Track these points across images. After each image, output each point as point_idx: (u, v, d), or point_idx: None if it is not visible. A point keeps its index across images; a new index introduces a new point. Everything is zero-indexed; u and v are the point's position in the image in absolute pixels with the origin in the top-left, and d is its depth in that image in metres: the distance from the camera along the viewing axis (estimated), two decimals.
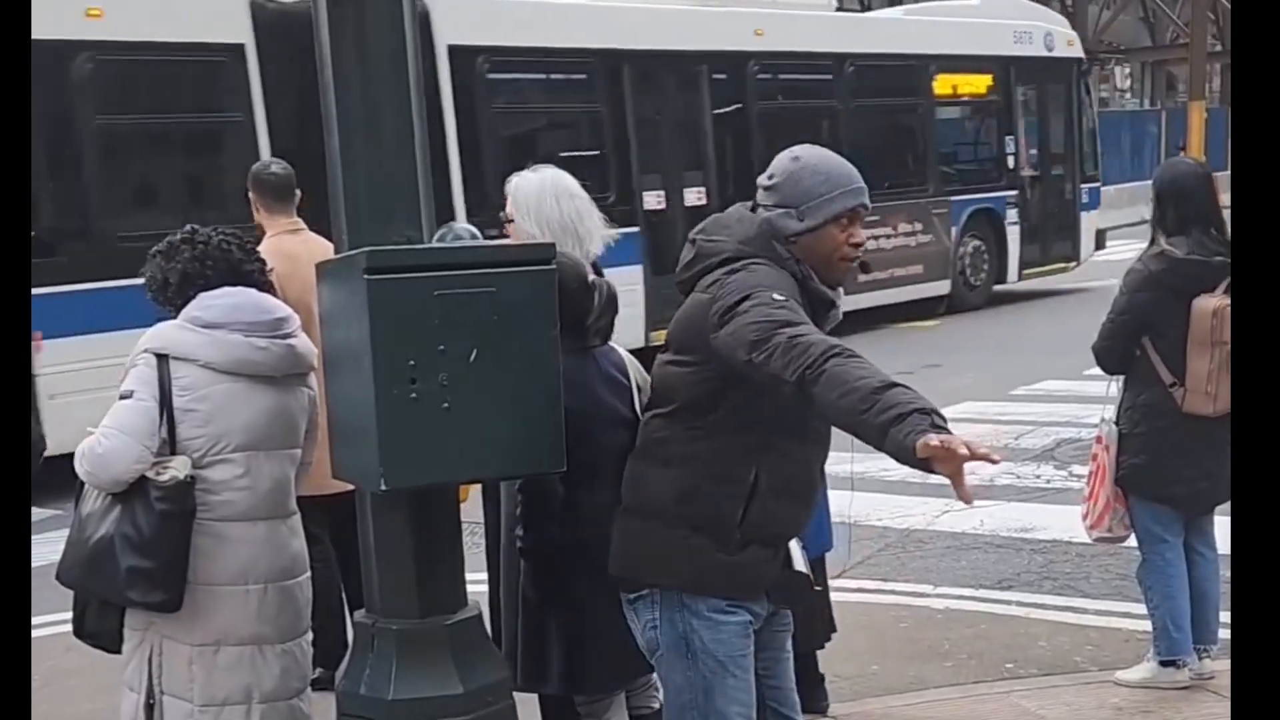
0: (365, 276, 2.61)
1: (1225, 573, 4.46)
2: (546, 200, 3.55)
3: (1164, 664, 4.49)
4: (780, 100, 13.70)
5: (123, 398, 3.18)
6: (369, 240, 2.77)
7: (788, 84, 13.90)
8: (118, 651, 3.31)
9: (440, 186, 9.26)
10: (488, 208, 8.94)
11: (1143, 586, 4.56)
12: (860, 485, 7.55)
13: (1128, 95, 38.59)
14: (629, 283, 10.91)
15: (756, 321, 2.62)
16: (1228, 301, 4.13)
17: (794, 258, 2.84)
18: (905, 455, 2.39)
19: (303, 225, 5.02)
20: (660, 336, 11.48)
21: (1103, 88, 44.45)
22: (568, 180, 3.63)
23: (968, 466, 2.37)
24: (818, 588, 3.72)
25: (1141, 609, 4.78)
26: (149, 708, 3.24)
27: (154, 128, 9.41)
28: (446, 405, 2.64)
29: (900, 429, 2.38)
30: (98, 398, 3.87)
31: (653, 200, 12.09)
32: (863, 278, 3.10)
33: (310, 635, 3.42)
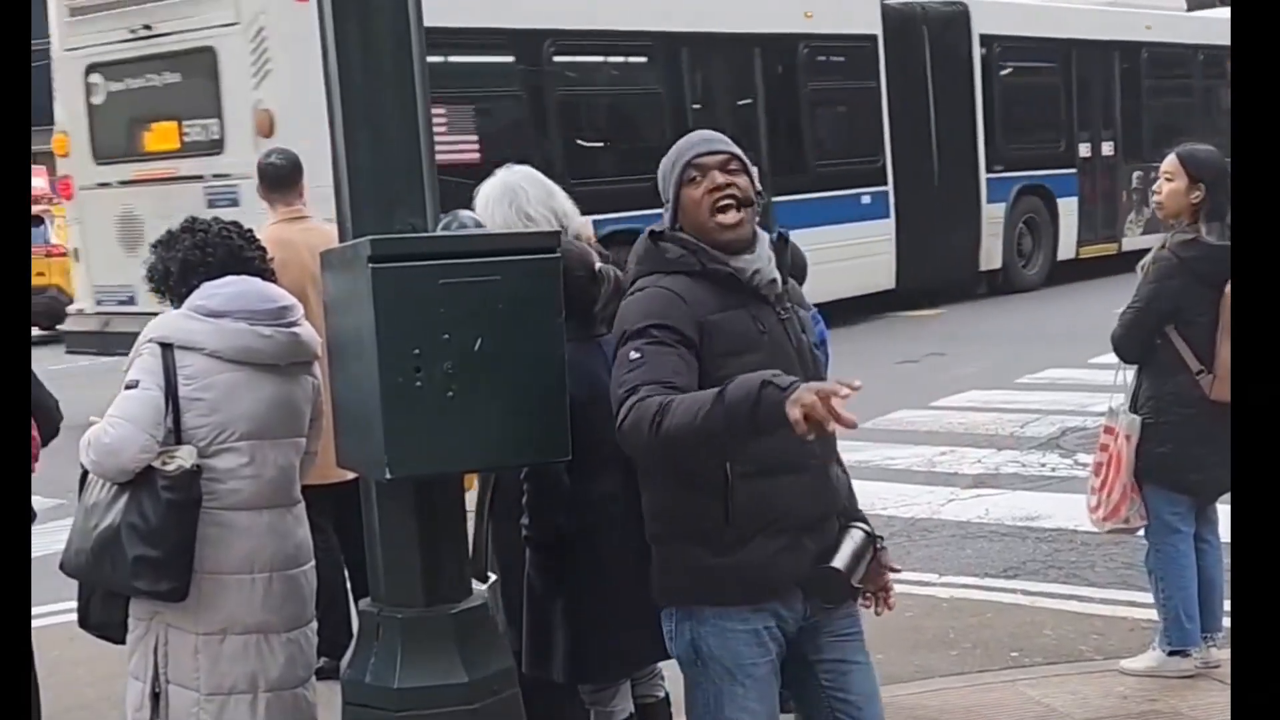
0: (369, 265, 2.60)
1: (1225, 560, 4.45)
2: (492, 207, 3.57)
3: (1172, 653, 4.48)
4: (1157, 80, 17.88)
5: (128, 387, 3.17)
6: (373, 228, 2.76)
7: (1161, 68, 17.97)
8: (123, 642, 3.31)
9: (968, 143, 15.43)
10: (999, 160, 15.70)
11: (1153, 576, 4.53)
12: (865, 474, 7.56)
13: None
14: (1065, 209, 16.66)
15: (616, 397, 2.65)
16: None
17: (689, 250, 2.77)
18: (780, 422, 2.43)
19: (306, 213, 5.01)
20: (1086, 251, 16.34)
21: None
22: (521, 179, 3.60)
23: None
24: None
25: (1146, 597, 4.77)
26: (154, 697, 3.23)
27: (833, 94, 14.58)
28: (451, 394, 2.63)
29: (760, 407, 2.44)
30: None
31: (1084, 150, 17.03)
32: None
33: (315, 624, 3.42)
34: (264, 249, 3.42)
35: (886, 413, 8.95)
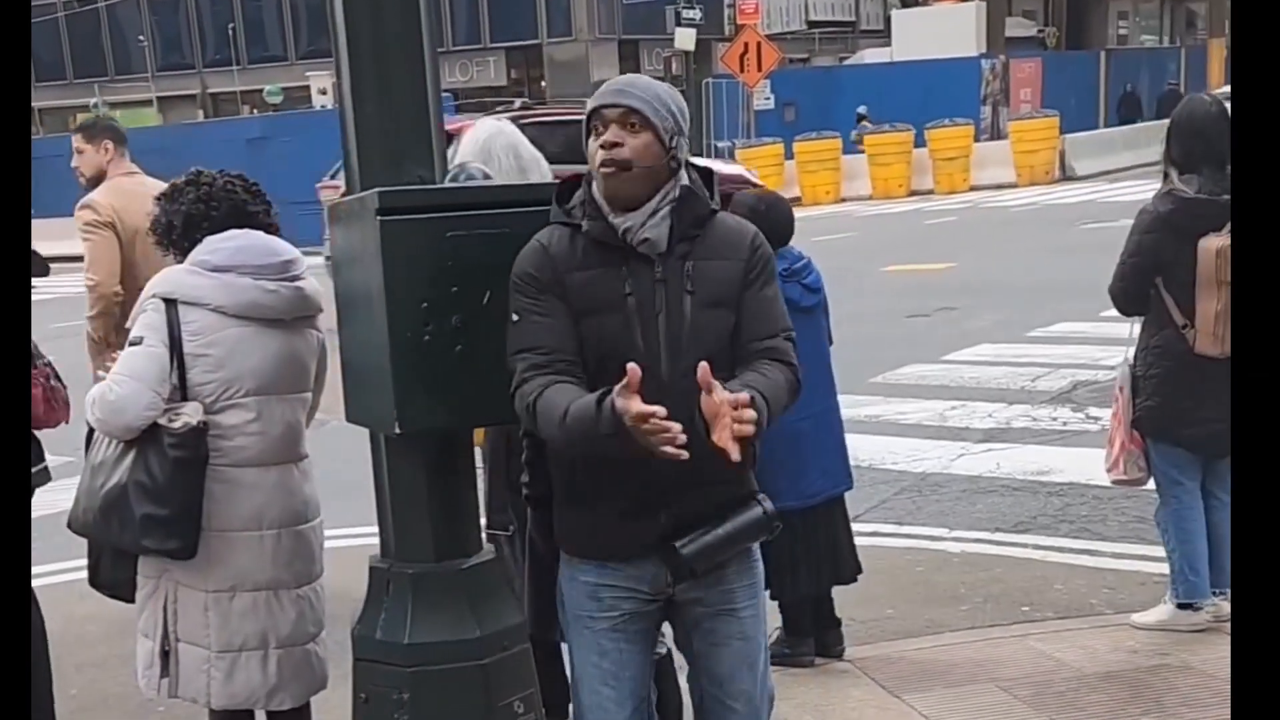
0: (377, 218, 2.57)
1: None
2: (477, 156, 3.49)
3: (1181, 606, 4.48)
4: None
5: (132, 344, 3.15)
6: (381, 181, 2.72)
7: None
8: (134, 600, 3.31)
9: None
10: None
11: (1160, 529, 4.55)
12: (876, 429, 7.55)
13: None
14: None
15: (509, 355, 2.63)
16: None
17: (580, 202, 2.69)
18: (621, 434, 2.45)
19: (138, 169, 5.29)
20: None
21: (1121, 24, 44.01)
22: (501, 147, 3.51)
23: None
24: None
25: (1158, 551, 4.76)
26: (164, 655, 3.24)
27: None
28: (460, 347, 2.61)
29: (609, 440, 2.46)
30: None
31: None
32: None
33: (323, 579, 3.41)
34: (269, 203, 3.39)
35: (897, 367, 8.92)
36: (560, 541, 2.85)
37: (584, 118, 2.70)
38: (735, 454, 2.42)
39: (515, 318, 2.62)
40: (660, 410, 2.39)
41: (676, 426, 2.39)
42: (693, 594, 2.79)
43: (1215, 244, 4.15)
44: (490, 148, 3.49)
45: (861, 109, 26.84)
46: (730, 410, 2.43)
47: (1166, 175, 4.36)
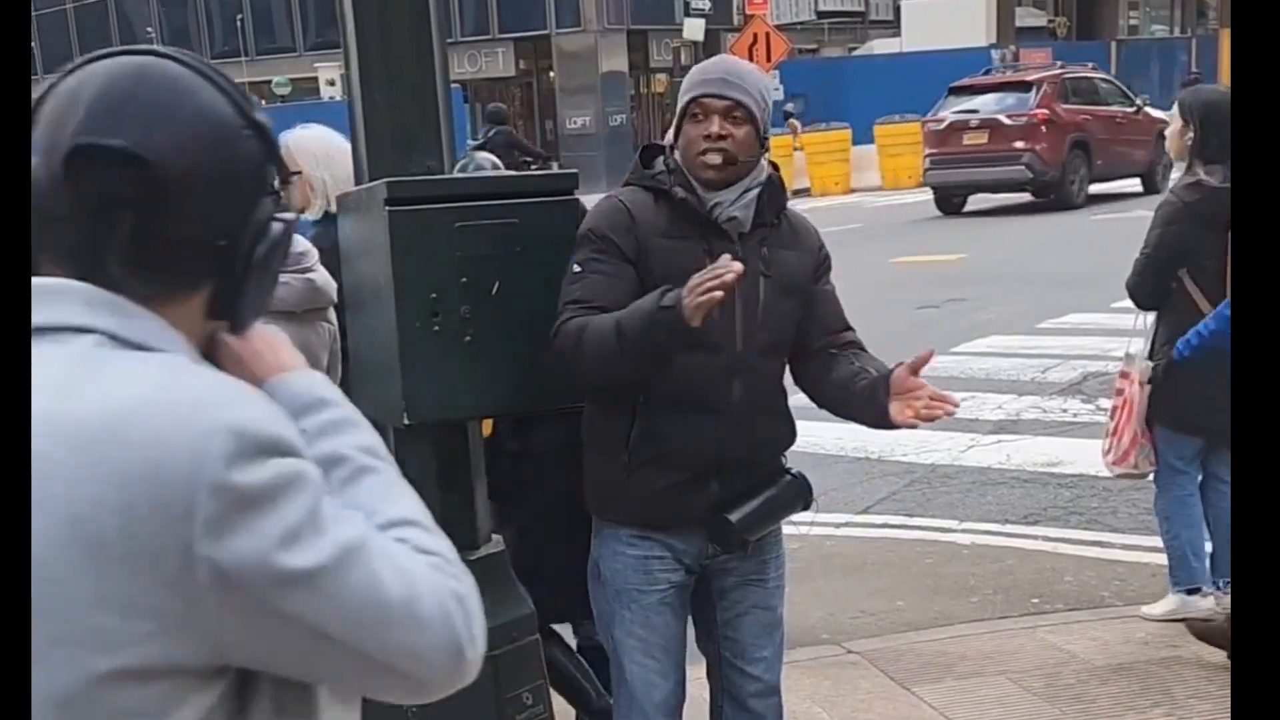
0: (386, 208, 2.57)
1: None
2: (334, 153, 3.66)
3: (1188, 593, 4.47)
4: None
5: None
6: (389, 171, 2.72)
7: None
8: None
9: None
10: None
11: (1160, 517, 4.55)
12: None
13: None
14: None
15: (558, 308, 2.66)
16: None
17: (669, 170, 2.77)
18: (684, 338, 2.50)
19: None
20: None
21: (1132, 14, 43.79)
22: (340, 139, 3.66)
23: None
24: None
25: None
26: None
27: None
28: (468, 338, 2.60)
29: (659, 333, 2.50)
30: None
31: None
32: None
33: None
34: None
35: (907, 358, 8.90)
36: (601, 509, 2.86)
37: (681, 95, 2.81)
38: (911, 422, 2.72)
39: (578, 269, 2.66)
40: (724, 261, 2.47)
41: (731, 265, 2.44)
42: (728, 564, 2.86)
43: None
44: (336, 141, 3.70)
45: (789, 107, 26.66)
46: (932, 392, 2.76)
47: (1190, 165, 4.32)
